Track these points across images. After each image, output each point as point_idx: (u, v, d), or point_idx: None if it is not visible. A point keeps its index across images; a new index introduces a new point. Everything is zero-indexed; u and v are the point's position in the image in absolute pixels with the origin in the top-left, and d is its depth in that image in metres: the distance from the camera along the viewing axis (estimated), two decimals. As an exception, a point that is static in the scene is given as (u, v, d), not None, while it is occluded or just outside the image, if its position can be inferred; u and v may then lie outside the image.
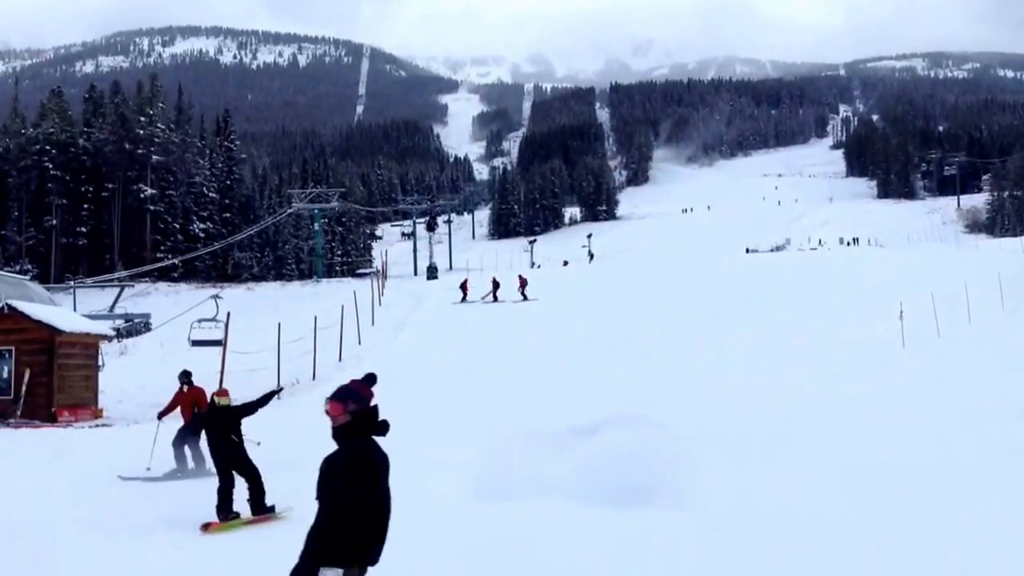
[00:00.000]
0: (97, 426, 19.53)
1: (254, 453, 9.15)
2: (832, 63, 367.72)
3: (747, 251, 70.79)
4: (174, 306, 39.77)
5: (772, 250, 76.63)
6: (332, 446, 3.89)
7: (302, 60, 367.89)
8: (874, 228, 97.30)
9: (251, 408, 9.51)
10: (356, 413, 3.92)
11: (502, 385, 20.28)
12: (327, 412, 3.92)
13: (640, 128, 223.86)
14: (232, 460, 8.85)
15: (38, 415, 19.69)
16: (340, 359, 26.11)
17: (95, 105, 70.89)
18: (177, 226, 68.65)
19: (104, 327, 27.49)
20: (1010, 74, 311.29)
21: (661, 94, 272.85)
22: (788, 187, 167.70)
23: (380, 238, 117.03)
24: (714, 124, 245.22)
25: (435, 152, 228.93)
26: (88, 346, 22.49)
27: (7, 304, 20.30)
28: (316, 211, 72.36)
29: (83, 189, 65.35)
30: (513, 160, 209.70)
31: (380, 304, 36.22)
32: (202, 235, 69.19)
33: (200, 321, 26.98)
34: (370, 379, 4.13)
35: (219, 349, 22.01)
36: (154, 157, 67.25)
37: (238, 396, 21.88)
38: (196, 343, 25.61)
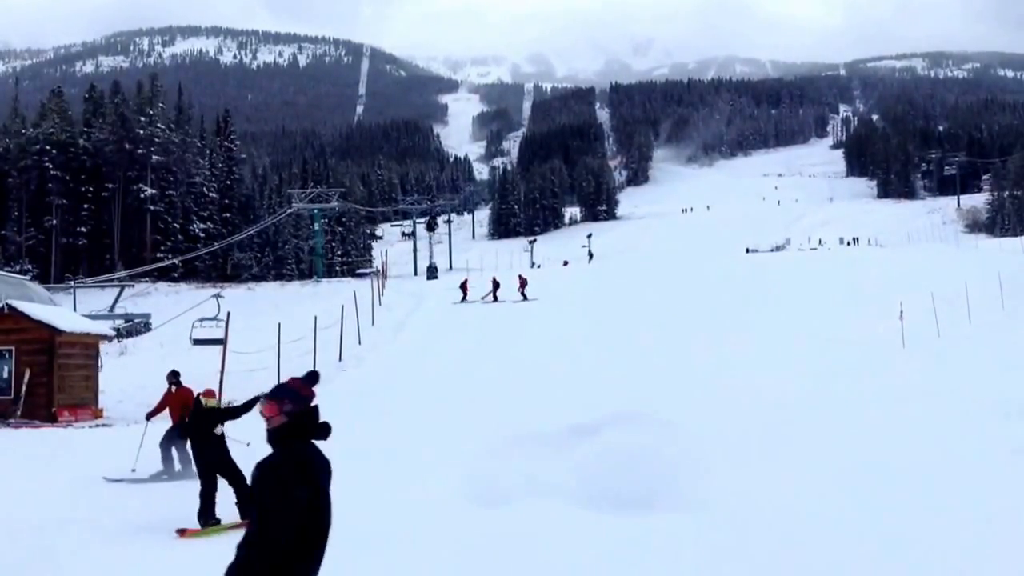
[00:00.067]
0: (97, 426, 19.54)
1: (243, 454, 9.06)
2: (832, 63, 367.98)
3: (747, 251, 70.81)
4: (174, 306, 39.79)
5: (772, 250, 76.66)
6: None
7: (302, 60, 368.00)
8: (874, 228, 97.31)
9: (236, 412, 9.35)
10: (293, 414, 3.58)
11: (502, 385, 20.27)
12: (261, 413, 3.63)
13: (640, 128, 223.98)
14: (216, 463, 8.67)
15: (38, 415, 19.70)
16: (340, 359, 26.12)
17: (95, 105, 70.89)
18: (177, 226, 68.65)
19: (104, 327, 27.50)
20: (1010, 74, 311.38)
21: (661, 94, 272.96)
22: (788, 187, 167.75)
23: (380, 238, 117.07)
24: (714, 124, 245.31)
25: (435, 152, 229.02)
26: (88, 346, 22.50)
27: (7, 304, 20.31)
28: (316, 211, 72.36)
29: (83, 189, 65.35)
30: (513, 160, 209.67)
31: (380, 304, 36.22)
32: (202, 235, 69.19)
33: (202, 320, 27.01)
34: (311, 377, 3.79)
35: (220, 348, 22.01)
36: (154, 157, 67.24)
37: (238, 396, 21.87)
38: (197, 342, 25.63)
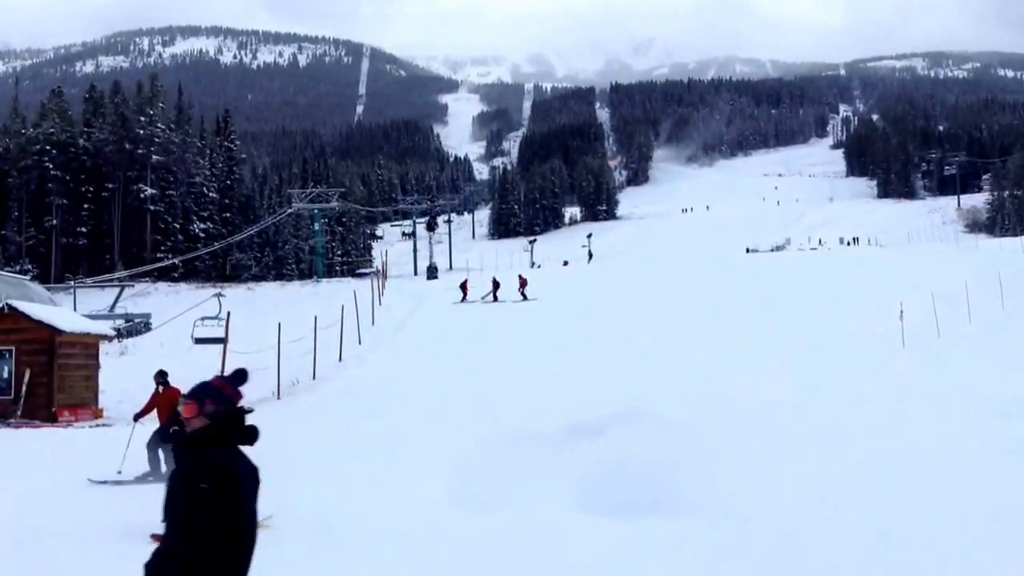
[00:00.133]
0: (97, 426, 19.55)
1: None
2: (832, 63, 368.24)
3: (747, 251, 70.85)
4: (174, 306, 39.79)
5: (772, 250, 76.74)
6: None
7: (302, 60, 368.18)
8: (874, 228, 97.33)
9: None
10: (215, 416, 3.22)
11: (502, 385, 20.27)
12: (180, 414, 3.32)
13: (640, 128, 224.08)
14: None
15: (38, 415, 19.71)
16: (340, 359, 26.14)
17: (95, 105, 70.88)
18: (177, 226, 68.64)
19: (104, 327, 27.52)
20: (1010, 74, 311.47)
21: (661, 94, 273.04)
22: (788, 187, 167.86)
23: (380, 238, 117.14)
24: (714, 124, 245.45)
25: (435, 152, 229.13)
26: (88, 346, 22.52)
27: (7, 304, 20.32)
28: (316, 211, 72.36)
29: (83, 189, 65.34)
30: (513, 160, 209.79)
31: (380, 304, 36.23)
32: (202, 235, 69.19)
33: (203, 319, 27.01)
34: (238, 376, 3.42)
35: (220, 348, 22.03)
36: (154, 157, 67.23)
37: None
38: (199, 340, 25.64)
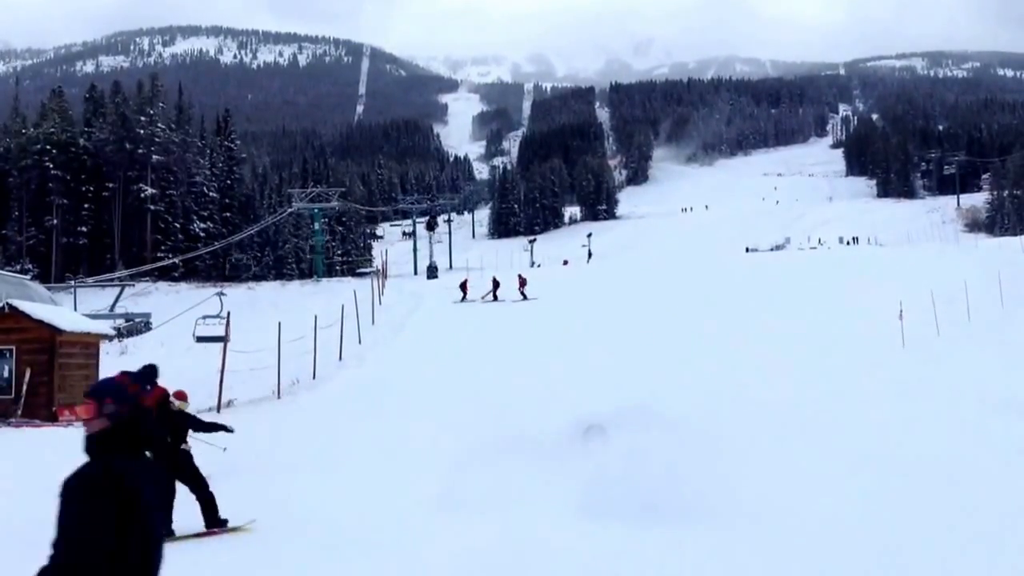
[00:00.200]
0: (98, 426, 19.52)
1: (223, 460, 8.84)
2: (832, 62, 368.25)
3: (747, 250, 70.87)
4: (174, 305, 39.82)
5: (772, 249, 76.74)
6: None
7: (302, 60, 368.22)
8: (874, 227, 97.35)
9: (202, 424, 8.95)
10: (117, 417, 2.79)
11: (502, 384, 20.26)
12: (80, 416, 2.82)
13: (640, 127, 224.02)
14: (177, 470, 8.14)
15: (39, 414, 19.71)
16: (340, 358, 26.14)
17: (95, 105, 70.93)
18: (177, 226, 68.69)
19: (105, 327, 27.53)
20: (1010, 73, 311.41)
21: (661, 93, 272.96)
22: (788, 186, 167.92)
23: (380, 237, 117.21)
24: (714, 123, 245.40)
25: (435, 152, 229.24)
26: (89, 345, 22.53)
27: (8, 304, 20.33)
28: (316, 211, 72.39)
29: (84, 189, 65.39)
30: (513, 160, 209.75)
31: (380, 303, 36.23)
32: (202, 235, 69.23)
33: (205, 317, 27.01)
34: (147, 373, 2.94)
35: (221, 347, 22.05)
36: (154, 157, 67.27)
37: (238, 396, 21.81)
38: (200, 339, 25.64)
